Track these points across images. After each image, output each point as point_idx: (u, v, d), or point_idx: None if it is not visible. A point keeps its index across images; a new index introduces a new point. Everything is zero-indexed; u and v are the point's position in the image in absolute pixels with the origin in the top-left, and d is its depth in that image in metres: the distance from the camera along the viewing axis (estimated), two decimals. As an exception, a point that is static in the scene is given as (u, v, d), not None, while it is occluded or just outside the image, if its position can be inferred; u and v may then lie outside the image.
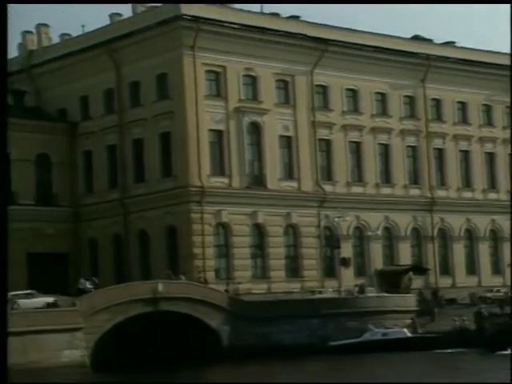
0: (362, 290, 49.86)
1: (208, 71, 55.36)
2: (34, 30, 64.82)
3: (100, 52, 58.45)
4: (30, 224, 57.98)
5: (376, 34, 63.88)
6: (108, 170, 59.20)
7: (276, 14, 61.88)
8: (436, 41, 69.83)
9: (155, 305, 43.49)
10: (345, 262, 54.59)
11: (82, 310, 40.65)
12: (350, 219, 59.62)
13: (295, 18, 61.98)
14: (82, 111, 60.85)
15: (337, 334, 45.69)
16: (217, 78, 55.82)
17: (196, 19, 54.12)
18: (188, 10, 54.41)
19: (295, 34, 59.05)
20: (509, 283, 62.53)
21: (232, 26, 55.89)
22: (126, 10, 62.16)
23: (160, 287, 43.55)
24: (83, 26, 63.30)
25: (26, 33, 64.95)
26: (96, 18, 64.56)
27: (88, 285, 45.65)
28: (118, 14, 62.02)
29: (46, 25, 64.65)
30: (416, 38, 69.14)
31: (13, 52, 65.91)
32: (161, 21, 54.99)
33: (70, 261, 60.35)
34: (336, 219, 56.41)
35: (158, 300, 43.56)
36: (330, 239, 56.77)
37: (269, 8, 61.38)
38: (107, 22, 62.19)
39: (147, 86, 56.41)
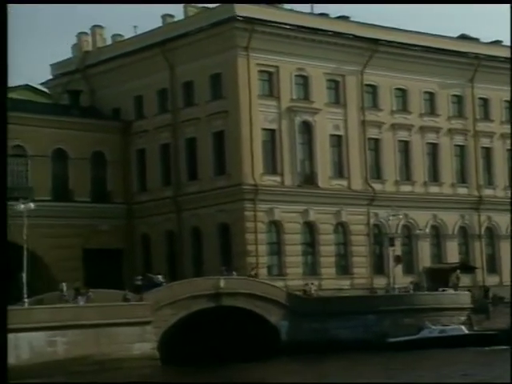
0: (417, 287, 50.48)
1: (261, 71, 56.30)
2: (88, 31, 66.21)
3: (155, 52, 59.58)
4: (85, 220, 59.33)
5: (425, 33, 64.41)
6: (161, 168, 60.38)
7: (325, 15, 62.71)
8: (483, 40, 70.25)
9: (217, 300, 44.65)
10: (399, 260, 55.27)
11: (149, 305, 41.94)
12: (400, 217, 60.36)
13: (345, 18, 62.84)
14: (136, 110, 62.08)
15: (393, 330, 46.46)
16: (270, 78, 56.75)
17: (250, 20, 55.09)
18: (242, 11, 55.40)
19: (346, 34, 59.82)
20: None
21: (284, 26, 56.77)
22: (176, 11, 63.55)
23: (222, 283, 44.69)
24: (135, 27, 64.80)
25: (81, 34, 66.40)
26: (147, 18, 65.80)
27: (160, 279, 46.62)
28: (170, 16, 63.25)
29: (100, 26, 66.01)
30: (463, 37, 69.57)
31: (68, 53, 67.81)
32: (215, 22, 56.00)
33: (124, 256, 61.69)
34: (390, 217, 57.05)
35: (220, 295, 44.71)
36: (386, 237, 57.50)
37: (318, 8, 62.40)
38: (159, 22, 63.46)
39: (201, 86, 57.49)
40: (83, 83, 65.07)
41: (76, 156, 59.65)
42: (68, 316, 39.49)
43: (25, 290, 42.32)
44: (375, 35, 61.20)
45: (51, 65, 68.35)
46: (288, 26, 57.03)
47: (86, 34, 66.37)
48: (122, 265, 61.39)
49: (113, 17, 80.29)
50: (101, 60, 63.98)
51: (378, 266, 60.40)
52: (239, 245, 54.68)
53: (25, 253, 44.57)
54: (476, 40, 69.52)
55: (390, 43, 61.71)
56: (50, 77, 68.65)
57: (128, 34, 65.22)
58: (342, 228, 59.19)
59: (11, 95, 64.59)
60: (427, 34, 64.51)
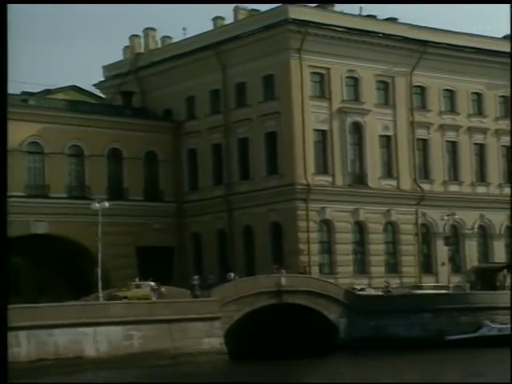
0: (473, 286, 51.15)
1: (313, 73, 57.24)
2: (141, 34, 67.50)
3: (208, 54, 60.67)
4: (138, 219, 60.60)
5: (472, 34, 65.03)
6: (213, 168, 61.48)
7: (373, 16, 63.44)
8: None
9: (279, 297, 45.75)
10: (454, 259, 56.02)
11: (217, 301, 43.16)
12: (448, 217, 61.06)
13: (393, 20, 63.58)
14: (188, 111, 63.26)
15: (449, 328, 47.18)
16: (321, 80, 57.67)
17: (304, 23, 56.05)
18: (295, 14, 56.37)
19: (395, 36, 60.58)
20: None
21: (336, 28, 57.68)
22: (226, 13, 64.62)
23: (283, 281, 45.75)
24: (184, 29, 66.00)
25: (133, 36, 67.74)
26: (197, 20, 66.98)
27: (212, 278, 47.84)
28: (221, 18, 64.32)
29: (153, 28, 67.28)
30: (506, 37, 69.83)
31: (119, 55, 69.25)
32: (268, 25, 57.03)
33: (175, 254, 62.93)
34: (445, 217, 57.74)
35: (281, 293, 45.79)
36: (434, 236, 58.27)
37: (366, 10, 63.16)
38: (209, 25, 64.53)
39: (253, 87, 58.52)
40: (135, 84, 66.39)
41: (130, 156, 60.96)
42: (142, 311, 40.90)
43: (99, 285, 43.75)
44: (424, 37, 61.88)
45: (103, 66, 69.73)
46: (339, 29, 57.93)
47: (138, 36, 67.65)
48: (172, 262, 62.62)
49: (162, 19, 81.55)
50: (153, 62, 65.27)
51: (426, 265, 61.15)
52: (291, 243, 55.64)
53: (99, 248, 45.92)
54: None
55: (438, 45, 62.34)
56: (101, 78, 70.11)
57: (177, 35, 66.65)
58: (391, 227, 59.98)
59: (58, 96, 66.67)
60: (474, 35, 65.10)
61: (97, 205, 46.21)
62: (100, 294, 42.97)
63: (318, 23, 57.01)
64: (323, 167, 57.38)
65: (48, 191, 57.16)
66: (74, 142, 58.55)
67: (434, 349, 43.99)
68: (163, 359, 39.29)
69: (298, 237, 55.33)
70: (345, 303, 47.80)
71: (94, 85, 70.03)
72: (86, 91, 71.08)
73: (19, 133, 55.47)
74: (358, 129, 58.97)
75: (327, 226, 57.15)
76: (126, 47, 68.98)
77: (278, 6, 57.33)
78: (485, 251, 64.54)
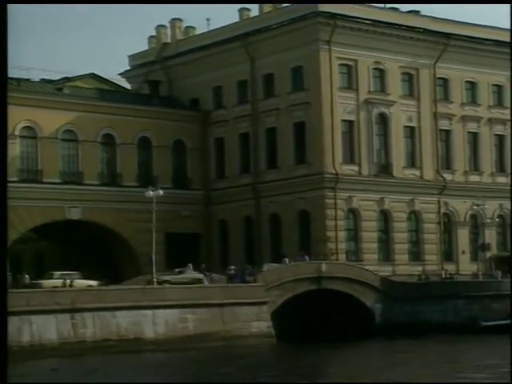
0: (505, 272, 52.69)
1: (341, 64, 58.57)
2: (167, 24, 68.64)
3: (235, 45, 61.92)
4: (168, 206, 61.60)
5: (493, 27, 66.24)
6: (240, 157, 62.78)
7: (396, 9, 64.62)
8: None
9: (319, 283, 47.30)
10: (484, 247, 57.53)
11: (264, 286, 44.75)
12: (468, 206, 62.65)
13: (415, 12, 64.82)
14: (215, 100, 64.51)
15: (482, 314, 48.76)
16: (349, 71, 58.99)
17: (333, 15, 57.32)
18: (324, 6, 57.62)
19: (418, 28, 61.87)
20: None
21: (363, 21, 58.93)
22: (252, 6, 65.74)
23: (323, 267, 47.28)
24: (208, 20, 67.17)
25: (159, 27, 68.89)
26: (221, 11, 67.91)
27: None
28: (247, 9, 65.43)
29: (179, 19, 68.40)
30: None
31: (144, 45, 70.40)
32: (297, 17, 58.29)
33: (202, 241, 64.32)
34: (475, 207, 59.24)
35: (321, 279, 47.34)
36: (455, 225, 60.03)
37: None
38: (233, 15, 65.70)
39: (281, 78, 59.78)
40: (161, 74, 67.54)
41: (159, 144, 62.23)
42: (196, 295, 42.50)
43: (154, 269, 45.27)
44: (446, 29, 63.15)
45: (129, 56, 70.89)
46: (366, 21, 59.18)
47: (164, 26, 68.78)
48: (199, 249, 63.99)
49: (186, 9, 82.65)
50: (180, 52, 66.44)
51: (448, 253, 62.70)
52: (319, 231, 57.07)
53: (153, 235, 47.28)
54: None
55: (460, 37, 63.63)
56: (124, 67, 71.19)
57: (200, 26, 67.78)
58: (414, 216, 61.45)
59: (76, 83, 67.74)
60: (496, 27, 66.26)
61: (151, 192, 47.53)
62: (155, 279, 44.45)
63: (346, 15, 58.28)
64: (350, 157, 58.77)
65: (82, 178, 58.48)
66: (107, 131, 59.81)
67: (471, 334, 45.42)
68: (216, 341, 40.85)
69: (326, 224, 56.77)
70: (380, 289, 49.39)
71: (120, 74, 71.13)
72: (104, 79, 72.03)
73: (55, 120, 56.84)
74: (383, 119, 60.34)
75: (353, 214, 58.61)
76: (152, 37, 70.08)
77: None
78: (503, 240, 66.02)
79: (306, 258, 53.46)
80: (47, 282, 45.64)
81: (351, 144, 58.89)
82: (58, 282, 45.46)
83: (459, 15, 67.71)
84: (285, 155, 59.80)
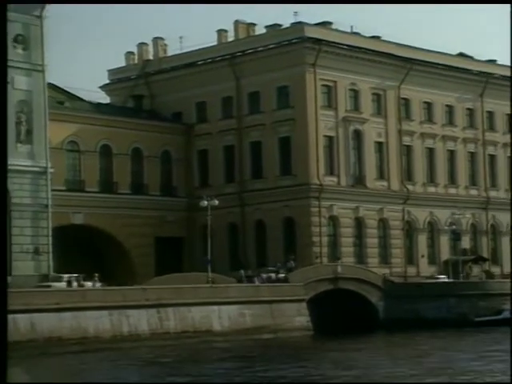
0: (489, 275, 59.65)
1: (323, 85, 64.54)
2: (149, 42, 72.81)
3: (222, 65, 66.94)
4: (156, 212, 66.30)
5: (444, 53, 73.61)
6: (224, 167, 67.68)
7: (378, 37, 70.43)
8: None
9: (335, 283, 53.13)
10: (465, 252, 64.46)
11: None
12: (426, 215, 69.81)
13: (377, 37, 71.30)
14: (198, 115, 69.22)
15: (470, 311, 55.59)
16: (329, 91, 65.01)
17: (318, 40, 63.25)
18: (310, 32, 63.52)
19: (387, 53, 68.50)
20: None
21: (341, 46, 65.09)
22: (226, 25, 70.66)
23: (339, 269, 53.03)
24: (181, 38, 71.62)
25: (141, 44, 73.11)
26: (197, 31, 72.65)
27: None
28: (224, 30, 70.37)
29: (161, 38, 72.70)
30: (462, 54, 78.74)
31: (121, 62, 74.31)
32: (285, 40, 63.92)
33: (185, 244, 68.92)
34: (455, 216, 66.15)
35: (337, 279, 53.15)
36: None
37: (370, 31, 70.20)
38: (210, 36, 70.22)
39: (267, 96, 65.18)
40: (144, 88, 71.71)
41: (149, 154, 66.53)
42: (250, 293, 47.74)
43: (209, 269, 49.96)
44: (409, 55, 70.07)
45: (108, 70, 74.72)
46: (343, 46, 65.36)
47: (146, 44, 72.97)
48: (182, 252, 68.64)
49: (160, 27, 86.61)
50: (163, 68, 70.84)
51: (409, 257, 69.57)
52: (304, 237, 62.74)
53: (209, 240, 52.58)
54: (492, 61, 78.46)
55: (420, 62, 70.66)
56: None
57: (173, 43, 72.01)
58: (382, 223, 67.98)
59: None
60: (445, 53, 73.51)
61: (205, 202, 51.98)
62: (210, 278, 49.16)
63: (329, 41, 64.30)
64: (330, 169, 64.77)
65: (84, 186, 62.18)
66: (104, 142, 63.72)
67: (466, 328, 51.86)
68: (268, 333, 46.27)
69: (312, 230, 62.49)
70: (383, 289, 55.68)
71: (100, 87, 74.76)
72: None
73: (61, 132, 60.36)
74: (358, 136, 66.66)
75: (333, 221, 64.57)
76: (129, 53, 74.11)
77: (294, 24, 64.30)
78: (454, 245, 73.30)
79: (292, 262, 58.65)
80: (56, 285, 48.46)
81: (331, 157, 64.90)
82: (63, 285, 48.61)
83: (419, 42, 74.25)
84: (270, 166, 65.16)
